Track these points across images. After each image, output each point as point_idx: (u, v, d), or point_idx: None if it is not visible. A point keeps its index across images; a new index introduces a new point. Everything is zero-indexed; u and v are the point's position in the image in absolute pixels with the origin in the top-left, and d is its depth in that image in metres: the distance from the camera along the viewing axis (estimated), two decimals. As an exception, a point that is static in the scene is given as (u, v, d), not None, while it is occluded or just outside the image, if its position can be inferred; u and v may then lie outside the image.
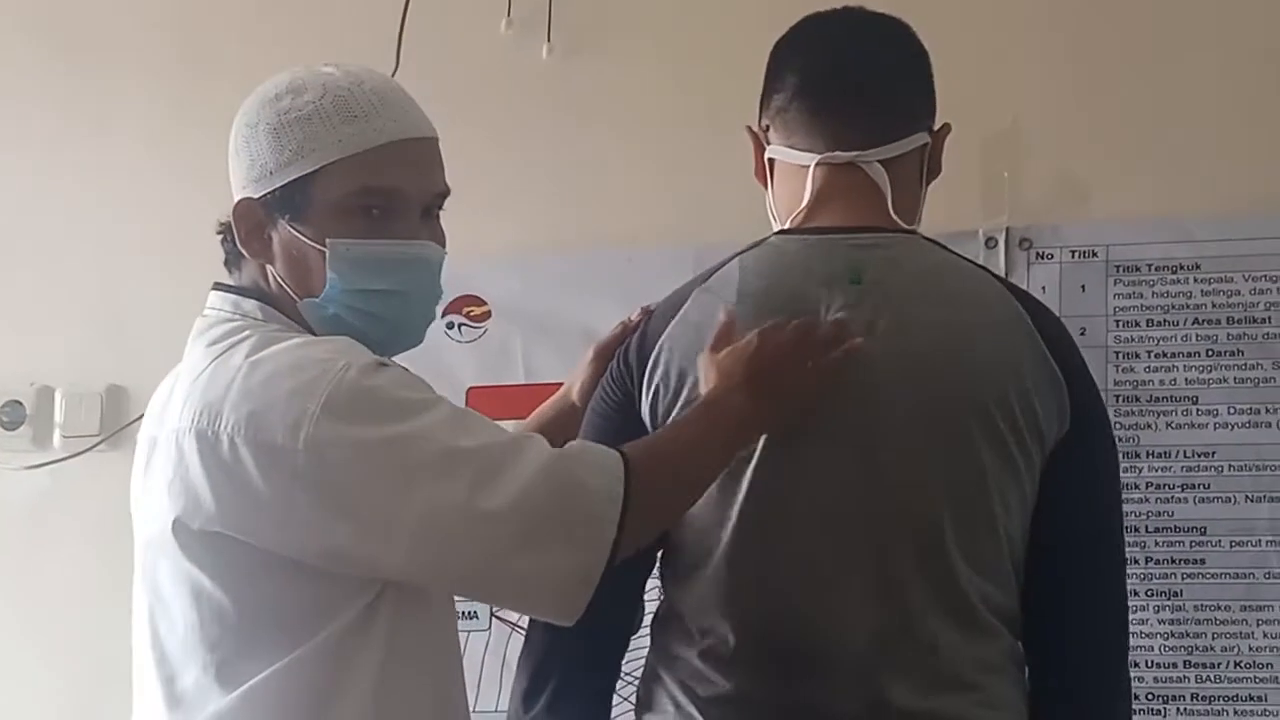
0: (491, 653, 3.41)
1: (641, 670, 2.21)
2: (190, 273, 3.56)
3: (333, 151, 2.03)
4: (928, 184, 2.24)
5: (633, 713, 2.20)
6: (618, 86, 3.57)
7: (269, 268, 2.08)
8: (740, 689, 2.07)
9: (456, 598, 2.16)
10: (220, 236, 2.14)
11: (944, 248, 2.19)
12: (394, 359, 2.09)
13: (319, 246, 2.04)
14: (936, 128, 2.23)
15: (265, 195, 2.05)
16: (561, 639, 2.14)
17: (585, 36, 3.60)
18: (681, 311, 2.15)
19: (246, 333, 2.02)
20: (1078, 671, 2.14)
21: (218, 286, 2.14)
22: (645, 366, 2.15)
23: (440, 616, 2.10)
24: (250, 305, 2.08)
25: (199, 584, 1.96)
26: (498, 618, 3.42)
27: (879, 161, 2.16)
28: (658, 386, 2.13)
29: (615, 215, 3.50)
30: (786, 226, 2.20)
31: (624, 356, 2.20)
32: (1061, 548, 2.12)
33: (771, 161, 2.23)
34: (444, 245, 2.13)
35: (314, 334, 2.06)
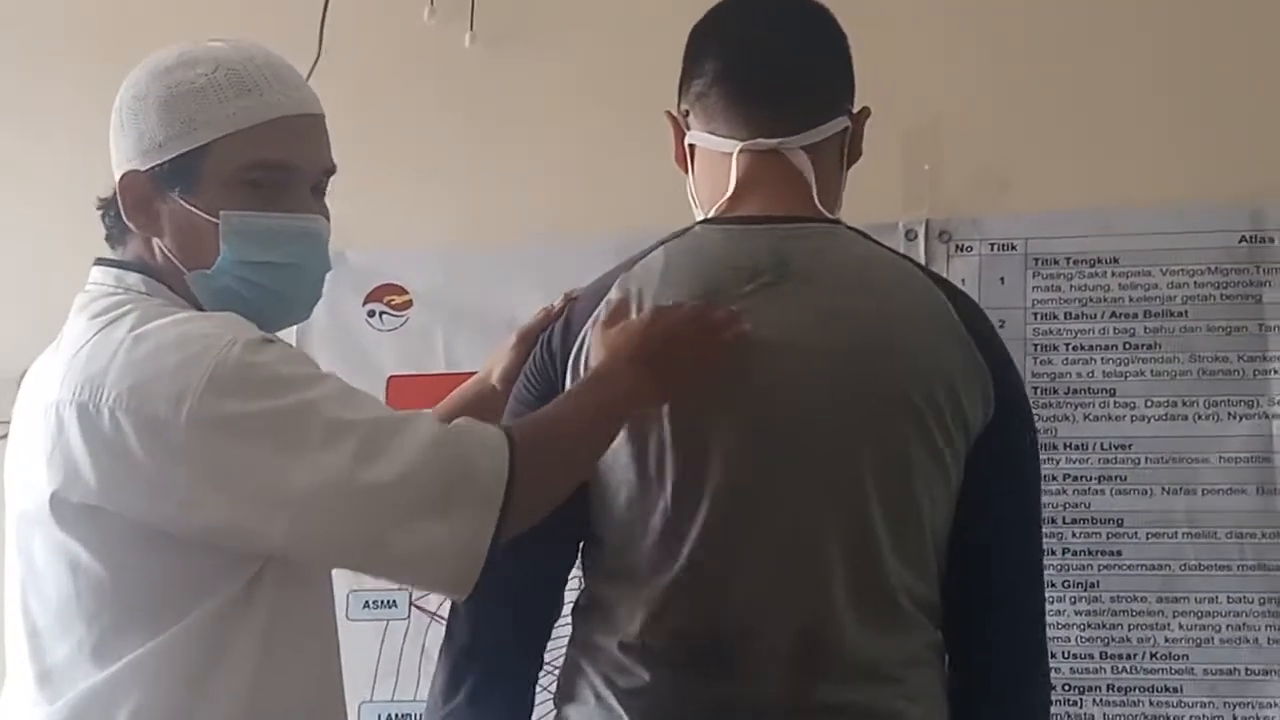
0: (410, 641, 3.40)
1: (562, 660, 2.20)
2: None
3: (225, 125, 2.02)
4: (848, 168, 2.24)
5: (552, 702, 2.19)
6: (540, 76, 3.56)
7: (155, 241, 2.06)
8: (661, 681, 2.07)
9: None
10: (101, 212, 2.12)
11: (868, 238, 2.19)
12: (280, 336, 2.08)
13: (212, 218, 2.02)
14: (855, 111, 2.23)
15: (153, 168, 2.03)
16: (483, 629, 2.14)
17: (508, 25, 3.59)
18: (605, 298, 2.14)
19: (129, 306, 2.00)
20: (996, 662, 2.15)
21: (100, 261, 2.12)
22: (569, 354, 2.14)
23: (319, 596, 2.09)
24: (134, 279, 2.06)
25: (76, 558, 1.94)
26: (417, 606, 3.41)
27: (801, 148, 2.16)
28: (580, 373, 2.12)
29: (538, 204, 3.49)
30: (710, 215, 2.19)
31: (547, 344, 2.19)
32: (983, 537, 2.12)
33: (692, 147, 2.22)
34: (329, 222, 2.13)
35: (200, 308, 2.05)
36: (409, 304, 3.41)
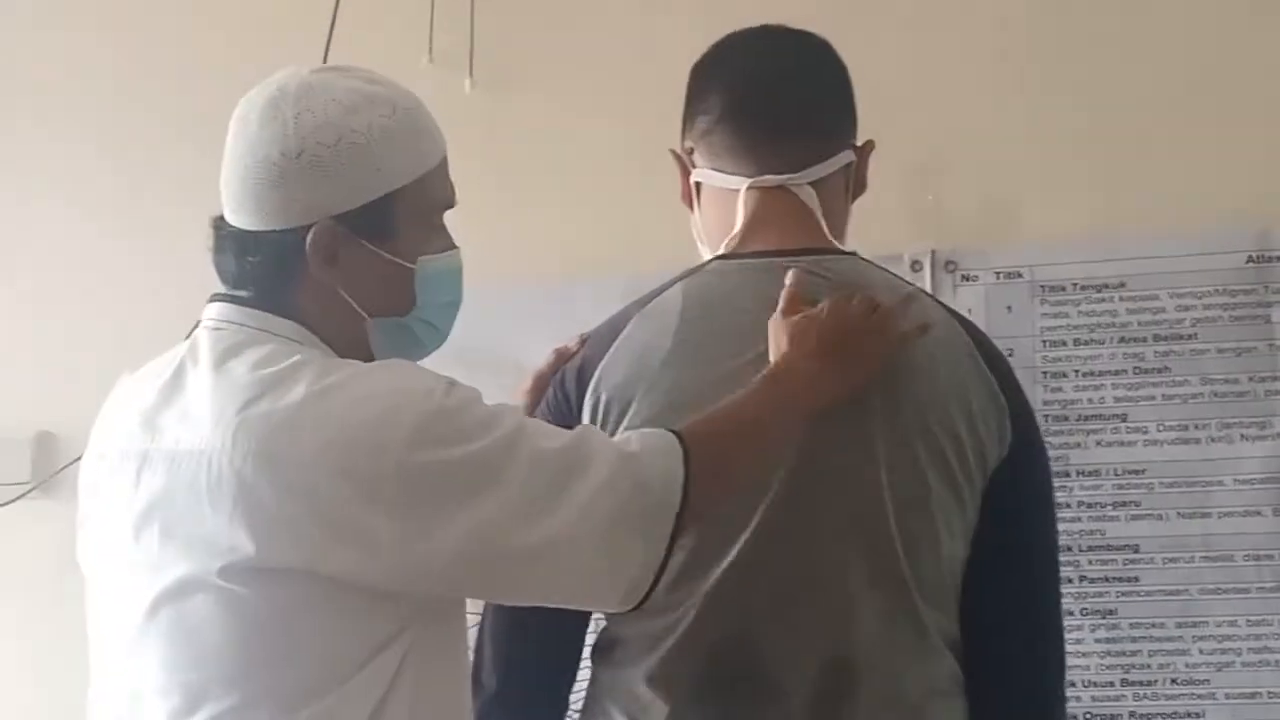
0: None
1: (581, 703, 2.19)
2: (120, 316, 3.62)
3: (413, 170, 1.99)
4: (852, 201, 2.24)
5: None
6: (541, 119, 3.57)
7: (339, 289, 1.99)
8: (682, 714, 2.06)
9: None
10: (237, 259, 2.01)
11: (882, 269, 2.19)
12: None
13: (409, 265, 2.00)
14: (859, 144, 2.23)
15: (345, 215, 1.96)
16: (509, 675, 2.14)
17: (508, 70, 3.60)
18: (621, 336, 2.13)
19: (299, 358, 1.92)
20: (1016, 693, 2.14)
21: (233, 299, 2.01)
22: (584, 393, 2.13)
23: (458, 627, 2.05)
24: (286, 326, 1.98)
25: (253, 615, 1.86)
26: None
27: (809, 183, 2.16)
28: (598, 413, 2.11)
29: (542, 248, 3.50)
30: (722, 251, 2.18)
31: (561, 384, 2.18)
32: (1000, 570, 2.11)
33: (698, 185, 2.22)
34: None
35: (363, 356, 2.00)
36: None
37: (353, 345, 2.01)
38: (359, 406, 1.86)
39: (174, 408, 1.94)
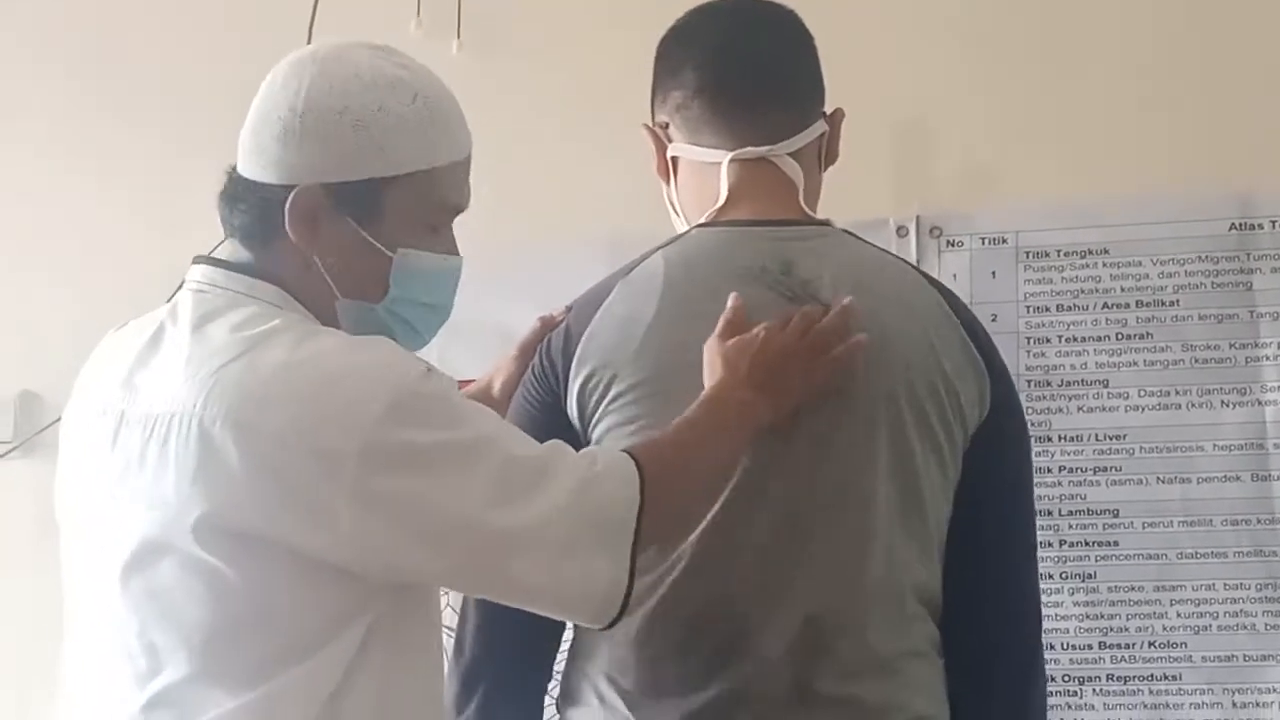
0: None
1: (563, 666, 2.21)
2: (101, 276, 3.62)
3: (419, 161, 1.98)
4: (824, 170, 2.25)
5: (555, 707, 2.20)
6: (529, 84, 3.56)
7: (315, 259, 1.98)
8: (665, 677, 2.08)
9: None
10: (231, 205, 2.02)
11: (859, 238, 2.21)
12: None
13: (387, 252, 1.99)
14: (829, 112, 2.24)
15: (333, 186, 1.96)
16: (494, 641, 2.15)
17: (495, 35, 3.59)
18: (605, 305, 2.14)
19: (277, 322, 1.92)
20: (994, 654, 2.16)
21: (217, 262, 2.02)
22: (570, 363, 2.14)
23: (432, 614, 2.05)
24: (268, 290, 1.98)
25: (220, 582, 1.85)
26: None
27: (788, 154, 2.17)
28: (583, 383, 2.12)
29: (528, 212, 3.49)
30: (704, 221, 2.19)
31: (546, 353, 2.18)
32: (980, 531, 2.14)
33: (675, 159, 2.23)
34: None
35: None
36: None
37: (330, 321, 2.01)
38: (332, 382, 1.86)
39: (151, 369, 1.95)
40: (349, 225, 1.97)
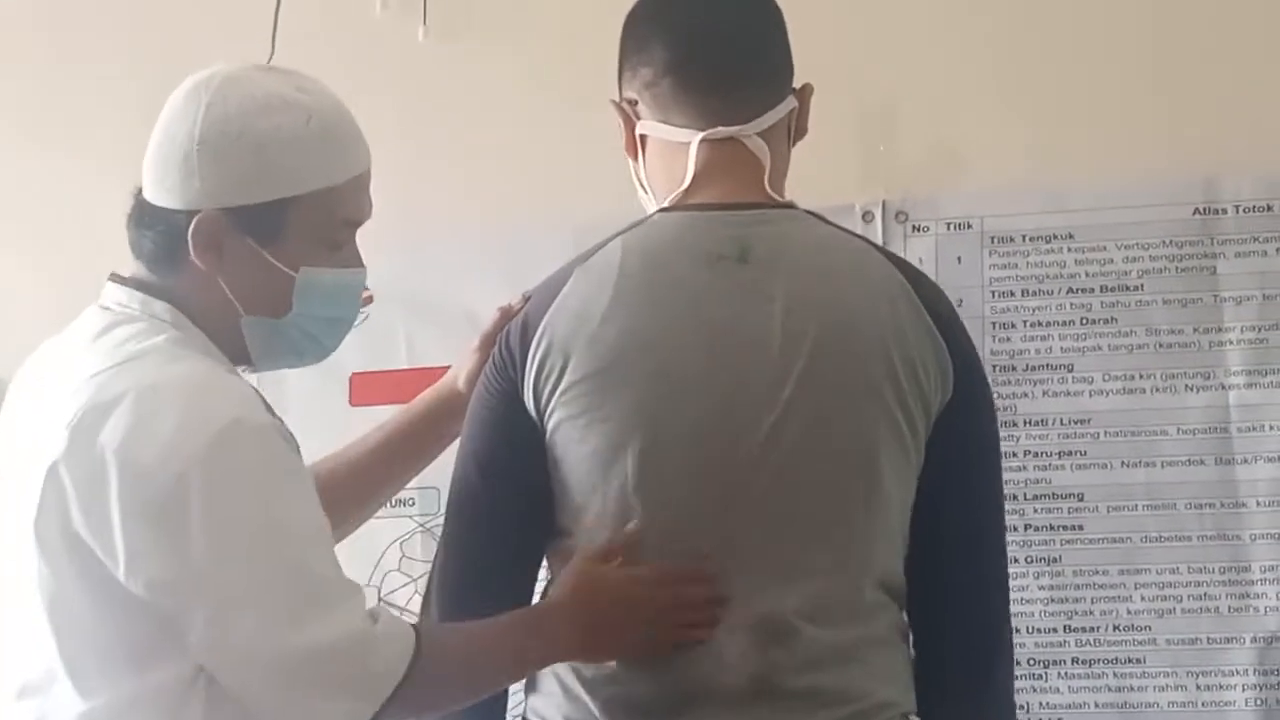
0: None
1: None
2: (60, 266, 3.60)
3: (315, 181, 2.01)
4: (793, 145, 2.24)
5: (522, 694, 2.20)
6: (494, 68, 3.56)
7: (219, 280, 2.02)
8: (626, 668, 2.07)
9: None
10: (139, 231, 2.07)
11: (824, 220, 2.20)
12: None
13: (289, 272, 2.03)
14: (798, 88, 2.23)
15: (235, 209, 2.00)
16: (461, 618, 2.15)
17: (461, 18, 3.59)
18: (562, 292, 2.11)
19: (150, 344, 1.97)
20: (960, 639, 2.15)
21: (119, 279, 2.07)
22: (527, 352, 2.11)
23: None
24: (160, 308, 2.03)
25: (53, 583, 1.91)
26: (385, 602, 3.40)
27: (758, 133, 2.16)
28: (537, 373, 2.10)
29: (494, 196, 3.50)
30: (667, 205, 2.18)
31: (505, 343, 2.16)
32: (945, 516, 2.13)
33: (643, 136, 2.23)
34: None
35: (235, 347, 2.05)
36: (369, 299, 3.42)
37: (232, 338, 2.06)
38: (169, 411, 1.90)
39: (48, 381, 2.01)
40: (251, 247, 2.02)
